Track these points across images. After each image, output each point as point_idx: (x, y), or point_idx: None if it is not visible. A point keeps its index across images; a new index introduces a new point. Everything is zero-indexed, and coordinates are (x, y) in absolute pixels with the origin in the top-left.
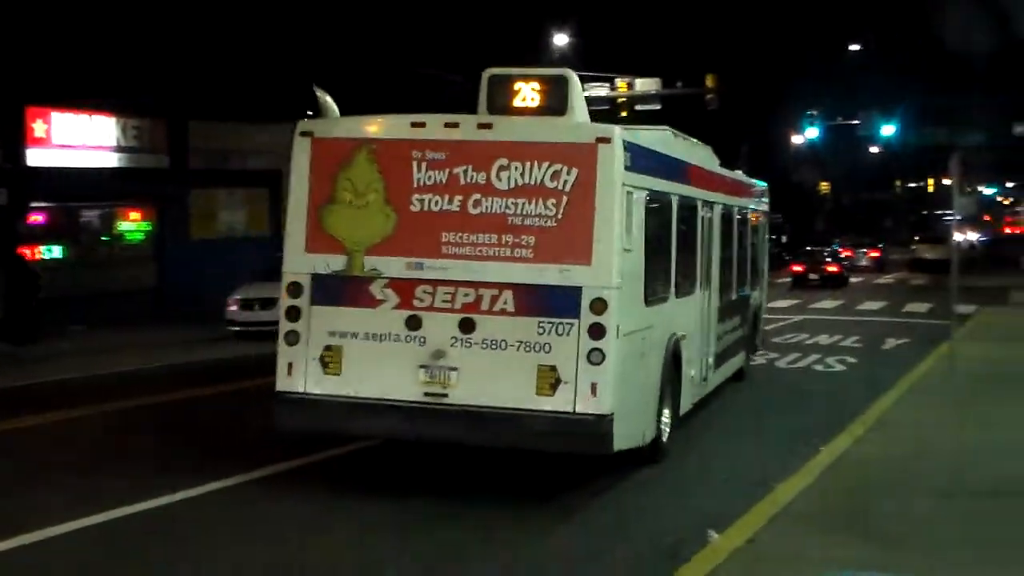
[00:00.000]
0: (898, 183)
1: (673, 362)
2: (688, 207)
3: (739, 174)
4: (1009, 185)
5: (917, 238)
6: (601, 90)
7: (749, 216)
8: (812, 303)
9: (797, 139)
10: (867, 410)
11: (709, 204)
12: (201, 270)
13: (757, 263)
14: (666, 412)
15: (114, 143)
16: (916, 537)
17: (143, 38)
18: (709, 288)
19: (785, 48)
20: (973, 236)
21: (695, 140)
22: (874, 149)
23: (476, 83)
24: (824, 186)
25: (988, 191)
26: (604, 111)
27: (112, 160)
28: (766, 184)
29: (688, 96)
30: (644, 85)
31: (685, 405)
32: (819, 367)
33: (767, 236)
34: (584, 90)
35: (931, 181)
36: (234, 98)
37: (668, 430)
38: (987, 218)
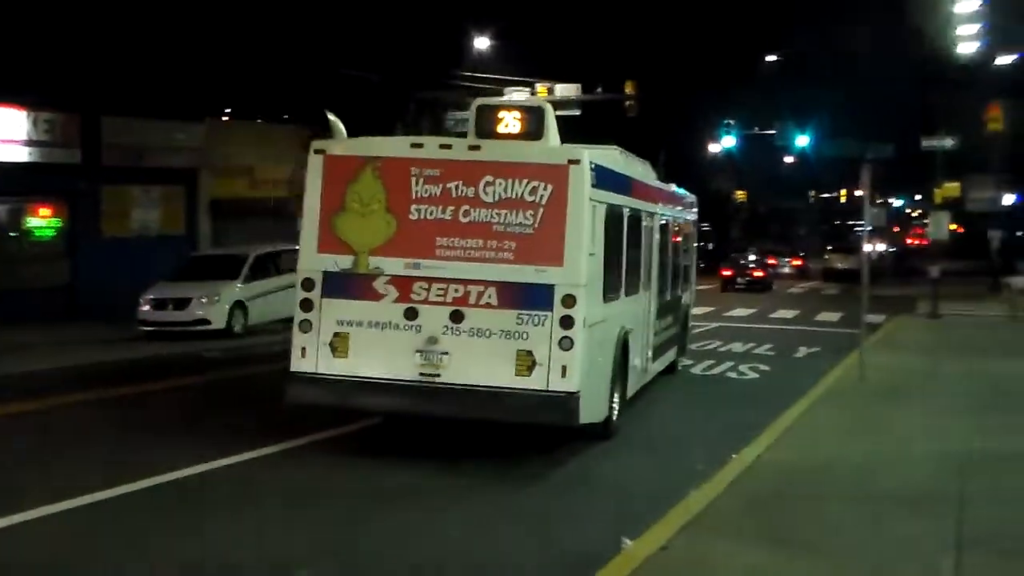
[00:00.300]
0: (813, 193)
1: (622, 352)
2: (635, 217)
3: (673, 187)
4: (917, 197)
5: (830, 248)
6: (521, 94)
7: (682, 225)
8: (726, 311)
9: (714, 147)
10: (779, 418)
11: (650, 215)
12: (114, 268)
13: (688, 268)
14: (616, 395)
15: (24, 137)
16: (826, 543)
17: (56, 31)
18: (650, 289)
19: (704, 57)
20: (881, 247)
21: (636, 156)
22: (789, 159)
23: (398, 84)
24: (740, 194)
25: (897, 203)
26: None
27: (22, 154)
28: (695, 196)
29: (607, 102)
30: (564, 90)
31: (631, 390)
32: (733, 375)
33: (696, 244)
34: (503, 94)
35: (843, 192)
36: (150, 94)
37: (617, 411)
38: (896, 229)
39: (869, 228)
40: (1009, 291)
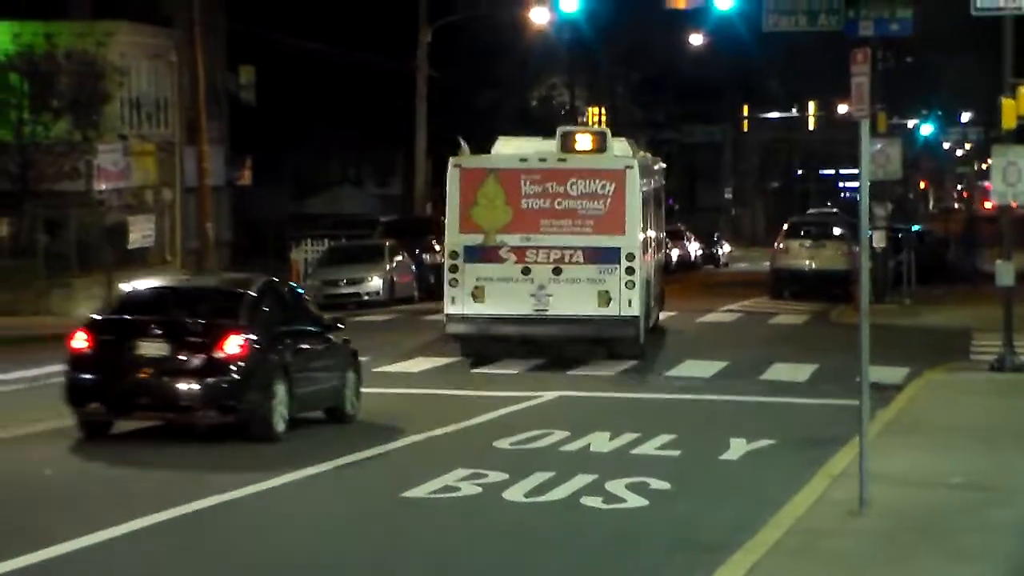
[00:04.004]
0: (745, 111)
1: (648, 294)
2: (647, 196)
3: (649, 157)
4: (966, 118)
5: (787, 227)
6: None
7: (660, 195)
8: (575, 365)
9: (540, 14)
10: None
11: (653, 191)
12: None
13: (662, 237)
14: (646, 324)
15: None
16: None
17: None
18: (650, 250)
19: None
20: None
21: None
22: (697, 39)
23: None
24: (593, 113)
25: (925, 129)
26: None
27: None
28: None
29: None
30: None
31: (651, 322)
32: (593, 500)
33: (663, 209)
34: None
35: (812, 107)
36: None
37: (645, 337)
38: (923, 185)
39: (868, 182)
40: None
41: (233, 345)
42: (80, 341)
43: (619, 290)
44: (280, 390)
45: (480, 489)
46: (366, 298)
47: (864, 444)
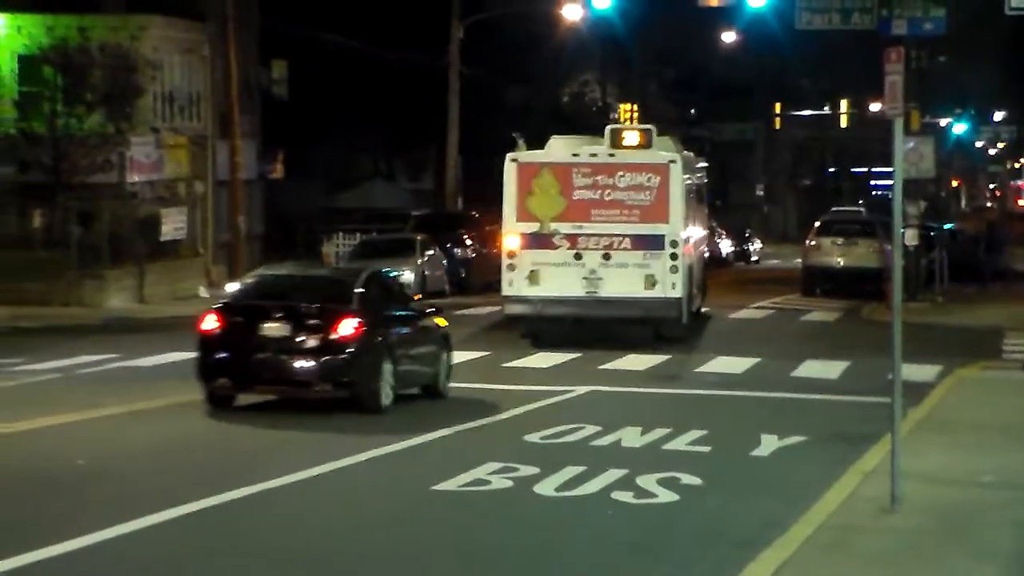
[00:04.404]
0: (777, 109)
1: (690, 278)
2: (690, 190)
3: (691, 155)
4: (999, 117)
5: (819, 224)
6: None
7: (702, 189)
8: (598, 360)
9: (572, 12)
10: None
11: (695, 186)
12: None
13: (705, 227)
14: (689, 307)
15: None
16: None
17: None
18: (693, 241)
19: None
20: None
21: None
22: (729, 36)
23: None
24: (625, 110)
25: (958, 127)
26: None
27: None
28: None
29: None
30: None
31: (693, 306)
32: (624, 495)
33: (705, 206)
34: None
35: (845, 106)
36: None
37: (687, 319)
38: (956, 183)
39: (898, 180)
40: None
41: (346, 327)
42: (210, 323)
43: (664, 274)
44: (386, 368)
45: (511, 483)
46: None
47: (896, 441)
